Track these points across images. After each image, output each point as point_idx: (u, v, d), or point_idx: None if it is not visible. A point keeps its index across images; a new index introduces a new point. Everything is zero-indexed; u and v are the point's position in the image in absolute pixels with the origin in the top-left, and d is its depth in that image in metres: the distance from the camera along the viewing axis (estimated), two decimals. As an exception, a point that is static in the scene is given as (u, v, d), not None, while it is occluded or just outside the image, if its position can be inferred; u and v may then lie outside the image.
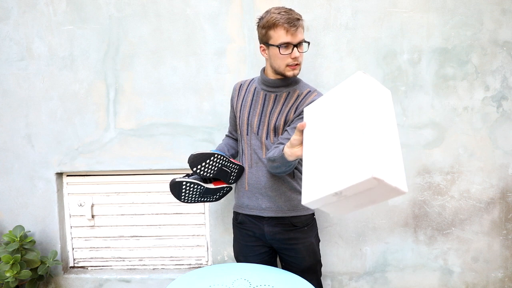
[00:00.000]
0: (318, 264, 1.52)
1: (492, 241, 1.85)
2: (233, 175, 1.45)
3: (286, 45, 1.28)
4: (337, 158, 0.90)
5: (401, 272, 1.88)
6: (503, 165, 1.80)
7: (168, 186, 1.37)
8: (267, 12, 1.32)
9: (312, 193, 0.92)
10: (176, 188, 1.36)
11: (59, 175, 1.94)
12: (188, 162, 1.32)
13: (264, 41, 1.34)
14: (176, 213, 1.95)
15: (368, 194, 0.83)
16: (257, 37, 1.42)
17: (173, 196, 1.39)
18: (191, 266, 1.98)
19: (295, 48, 1.29)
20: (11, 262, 1.68)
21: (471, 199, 1.83)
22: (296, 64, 1.32)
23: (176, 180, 1.34)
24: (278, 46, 1.28)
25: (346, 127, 0.92)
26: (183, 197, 1.38)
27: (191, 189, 1.38)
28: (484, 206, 1.83)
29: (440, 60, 1.76)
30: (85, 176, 1.96)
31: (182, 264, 1.99)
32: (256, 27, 1.41)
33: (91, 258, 2.01)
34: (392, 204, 1.84)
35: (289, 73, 1.33)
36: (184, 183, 1.35)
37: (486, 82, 1.77)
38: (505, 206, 1.83)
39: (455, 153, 1.80)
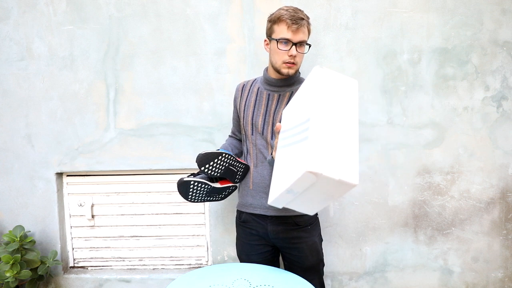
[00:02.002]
0: (321, 263, 1.52)
1: (492, 241, 1.85)
2: (239, 174, 1.46)
3: (286, 41, 1.29)
4: (289, 156, 0.93)
5: (401, 272, 1.88)
6: (503, 165, 1.80)
7: (176, 185, 1.37)
8: (279, 8, 1.35)
9: (273, 193, 0.95)
10: (184, 188, 1.36)
11: (59, 175, 1.94)
12: (196, 161, 1.33)
13: (268, 34, 1.37)
14: (176, 213, 1.95)
15: (318, 188, 0.84)
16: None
17: (179, 195, 1.39)
18: (191, 266, 1.98)
19: (293, 46, 1.30)
20: (11, 262, 1.68)
21: (471, 199, 1.83)
22: (293, 63, 1.33)
23: (184, 179, 1.35)
24: (277, 40, 1.30)
25: (297, 124, 0.95)
26: (190, 196, 1.39)
27: (198, 188, 1.38)
28: (484, 206, 1.83)
29: (440, 60, 1.76)
30: (85, 176, 1.96)
31: (182, 264, 1.99)
32: (266, 21, 1.43)
33: (91, 258, 2.01)
34: (392, 204, 1.84)
35: (284, 70, 1.34)
36: (192, 182, 1.36)
37: (486, 82, 1.77)
38: (505, 206, 1.83)
39: (455, 153, 1.80)
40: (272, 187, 0.99)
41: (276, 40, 1.31)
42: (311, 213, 0.97)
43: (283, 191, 0.88)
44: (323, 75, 0.98)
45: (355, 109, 0.95)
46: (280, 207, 0.97)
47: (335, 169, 0.81)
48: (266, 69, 1.45)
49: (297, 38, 1.30)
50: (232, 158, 1.40)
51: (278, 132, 1.14)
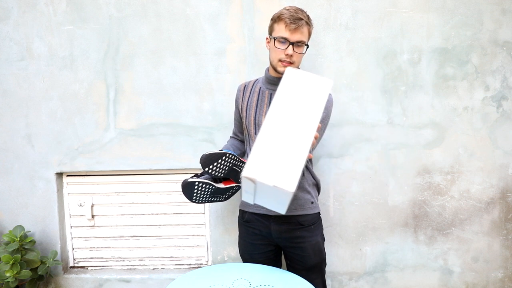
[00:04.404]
0: (323, 262, 1.53)
1: (492, 241, 1.85)
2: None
3: (284, 39, 1.31)
4: None
5: (401, 272, 1.88)
6: (503, 165, 1.80)
7: (180, 186, 1.37)
8: (283, 8, 1.37)
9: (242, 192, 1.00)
10: (188, 189, 1.36)
11: (59, 175, 1.94)
12: (200, 162, 1.33)
13: (269, 32, 1.39)
14: (176, 213, 1.95)
15: (264, 191, 0.87)
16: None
17: (183, 196, 1.40)
18: (191, 266, 1.98)
19: (290, 46, 1.30)
20: (11, 262, 1.68)
21: (471, 199, 1.83)
22: (290, 63, 1.33)
23: (189, 180, 1.35)
24: (275, 39, 1.32)
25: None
26: (194, 197, 1.39)
27: (203, 189, 1.38)
28: (484, 206, 1.83)
29: (440, 60, 1.76)
30: (85, 176, 1.96)
31: (182, 264, 1.99)
32: (266, 21, 1.44)
33: (91, 258, 2.01)
34: (392, 204, 1.84)
35: (280, 68, 1.35)
36: (196, 183, 1.35)
37: (486, 82, 1.77)
38: (505, 206, 1.83)
39: (455, 153, 1.80)
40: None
41: (274, 38, 1.32)
42: (282, 211, 0.98)
43: (243, 190, 0.92)
44: (293, 77, 0.99)
45: (318, 111, 0.95)
46: (252, 203, 0.99)
47: (271, 175, 0.82)
48: (268, 68, 1.46)
49: (294, 37, 1.30)
50: (235, 158, 1.40)
51: None
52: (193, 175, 1.43)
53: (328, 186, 1.84)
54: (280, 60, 1.33)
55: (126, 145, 1.87)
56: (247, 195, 0.96)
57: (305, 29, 1.32)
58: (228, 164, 1.38)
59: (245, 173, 0.82)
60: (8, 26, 1.84)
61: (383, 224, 1.86)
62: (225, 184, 1.44)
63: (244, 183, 0.87)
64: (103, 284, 1.93)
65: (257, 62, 1.79)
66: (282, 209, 0.97)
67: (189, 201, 1.42)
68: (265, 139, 0.88)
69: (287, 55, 1.31)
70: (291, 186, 0.82)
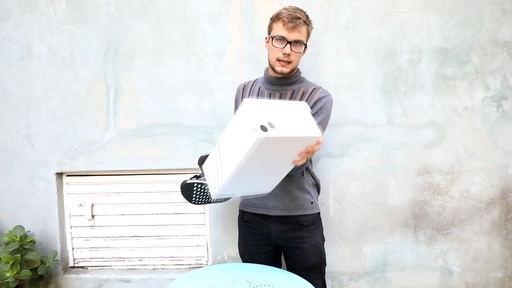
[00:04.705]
0: (323, 263, 1.53)
1: (492, 241, 1.85)
2: None
3: (281, 38, 1.30)
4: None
5: (401, 272, 1.88)
6: (503, 165, 1.80)
7: (179, 188, 1.36)
8: (282, 7, 1.37)
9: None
10: (187, 190, 1.35)
11: (59, 175, 1.94)
12: (198, 164, 1.33)
13: (268, 32, 1.39)
14: (176, 213, 1.95)
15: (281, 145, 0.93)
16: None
17: (182, 197, 1.39)
18: (191, 266, 1.98)
19: (288, 45, 1.30)
20: (11, 262, 1.68)
21: (471, 199, 1.83)
22: (287, 62, 1.33)
23: (187, 182, 1.34)
24: (273, 37, 1.32)
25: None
26: (193, 199, 1.38)
27: (202, 190, 1.38)
28: (484, 206, 1.83)
29: (440, 60, 1.76)
30: (85, 176, 1.96)
31: (182, 264, 1.99)
32: (266, 21, 1.44)
33: (91, 258, 2.01)
34: (392, 204, 1.84)
35: (278, 68, 1.34)
36: (195, 184, 1.35)
37: (486, 82, 1.77)
38: (505, 206, 1.83)
39: (455, 153, 1.80)
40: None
41: (272, 37, 1.32)
42: (268, 190, 1.06)
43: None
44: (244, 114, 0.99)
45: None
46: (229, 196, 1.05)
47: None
48: (267, 68, 1.46)
49: (292, 36, 1.30)
50: None
51: None
52: (192, 176, 1.43)
53: (328, 186, 1.84)
54: (278, 60, 1.33)
55: (126, 145, 1.87)
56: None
57: (303, 29, 1.32)
58: None
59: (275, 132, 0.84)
60: (8, 26, 1.84)
61: (383, 224, 1.86)
62: None
63: (260, 143, 0.83)
64: (103, 284, 1.93)
65: (257, 62, 1.79)
66: (268, 187, 1.01)
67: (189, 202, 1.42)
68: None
69: (284, 54, 1.31)
70: (318, 132, 0.94)
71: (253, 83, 1.50)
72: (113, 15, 1.81)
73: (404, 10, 1.75)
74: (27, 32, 1.84)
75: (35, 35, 1.84)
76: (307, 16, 1.34)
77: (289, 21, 1.28)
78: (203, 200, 1.41)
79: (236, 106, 1.54)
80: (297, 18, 1.29)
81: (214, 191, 0.97)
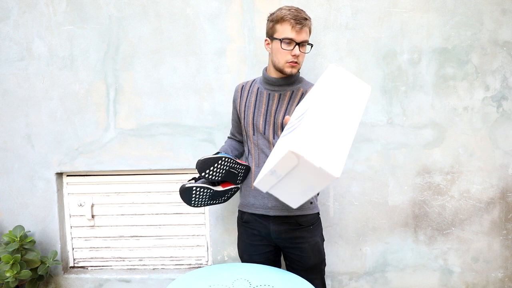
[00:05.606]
0: (323, 263, 1.53)
1: (492, 241, 1.85)
2: (240, 176, 1.45)
3: (289, 41, 1.30)
4: (282, 143, 0.92)
5: (401, 272, 1.88)
6: (503, 165, 1.80)
7: (178, 192, 1.36)
8: (279, 8, 1.35)
9: (260, 175, 0.93)
10: (186, 194, 1.35)
11: (59, 175, 1.94)
12: (196, 168, 1.32)
13: (270, 34, 1.37)
14: (176, 213, 1.95)
15: (299, 174, 0.81)
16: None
17: (182, 201, 1.38)
18: (191, 266, 1.98)
19: (297, 46, 1.31)
20: (11, 262, 1.68)
21: (471, 199, 1.83)
22: (296, 63, 1.34)
23: (186, 186, 1.34)
24: (281, 40, 1.31)
25: (298, 116, 0.95)
26: (193, 202, 1.38)
27: (201, 193, 1.38)
28: (484, 206, 1.83)
29: (440, 60, 1.76)
30: (85, 176, 1.96)
31: (182, 264, 1.99)
32: (266, 21, 1.42)
33: (91, 258, 2.01)
34: (392, 204, 1.84)
35: (288, 70, 1.35)
36: (194, 188, 1.35)
37: (486, 82, 1.77)
38: (505, 206, 1.83)
39: (455, 153, 1.80)
40: (261, 170, 0.98)
41: (280, 40, 1.31)
42: (294, 205, 0.93)
43: (268, 172, 0.86)
44: (336, 73, 0.98)
45: (359, 111, 0.94)
46: (264, 191, 0.95)
47: (318, 156, 0.78)
48: (265, 69, 1.45)
49: (300, 38, 1.31)
50: (232, 161, 1.39)
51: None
52: (190, 179, 1.43)
53: (328, 186, 1.84)
54: (287, 62, 1.33)
55: (126, 145, 1.87)
56: (267, 179, 0.88)
57: (308, 29, 1.34)
58: (225, 167, 1.37)
59: (292, 148, 0.76)
60: (8, 26, 1.84)
61: (383, 224, 1.86)
62: (223, 187, 1.44)
63: (280, 161, 0.80)
64: (103, 284, 1.93)
65: (257, 62, 1.79)
66: (298, 202, 0.93)
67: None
68: (311, 123, 0.84)
69: (293, 55, 1.31)
70: (337, 171, 0.78)
71: (251, 84, 1.50)
72: (113, 15, 1.81)
73: (404, 10, 1.75)
74: (27, 32, 1.84)
75: (35, 35, 1.84)
76: (308, 15, 1.35)
77: (297, 23, 1.28)
78: (203, 202, 1.41)
79: (234, 107, 1.53)
80: (304, 19, 1.30)
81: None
